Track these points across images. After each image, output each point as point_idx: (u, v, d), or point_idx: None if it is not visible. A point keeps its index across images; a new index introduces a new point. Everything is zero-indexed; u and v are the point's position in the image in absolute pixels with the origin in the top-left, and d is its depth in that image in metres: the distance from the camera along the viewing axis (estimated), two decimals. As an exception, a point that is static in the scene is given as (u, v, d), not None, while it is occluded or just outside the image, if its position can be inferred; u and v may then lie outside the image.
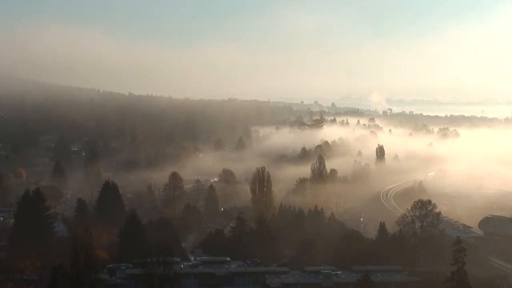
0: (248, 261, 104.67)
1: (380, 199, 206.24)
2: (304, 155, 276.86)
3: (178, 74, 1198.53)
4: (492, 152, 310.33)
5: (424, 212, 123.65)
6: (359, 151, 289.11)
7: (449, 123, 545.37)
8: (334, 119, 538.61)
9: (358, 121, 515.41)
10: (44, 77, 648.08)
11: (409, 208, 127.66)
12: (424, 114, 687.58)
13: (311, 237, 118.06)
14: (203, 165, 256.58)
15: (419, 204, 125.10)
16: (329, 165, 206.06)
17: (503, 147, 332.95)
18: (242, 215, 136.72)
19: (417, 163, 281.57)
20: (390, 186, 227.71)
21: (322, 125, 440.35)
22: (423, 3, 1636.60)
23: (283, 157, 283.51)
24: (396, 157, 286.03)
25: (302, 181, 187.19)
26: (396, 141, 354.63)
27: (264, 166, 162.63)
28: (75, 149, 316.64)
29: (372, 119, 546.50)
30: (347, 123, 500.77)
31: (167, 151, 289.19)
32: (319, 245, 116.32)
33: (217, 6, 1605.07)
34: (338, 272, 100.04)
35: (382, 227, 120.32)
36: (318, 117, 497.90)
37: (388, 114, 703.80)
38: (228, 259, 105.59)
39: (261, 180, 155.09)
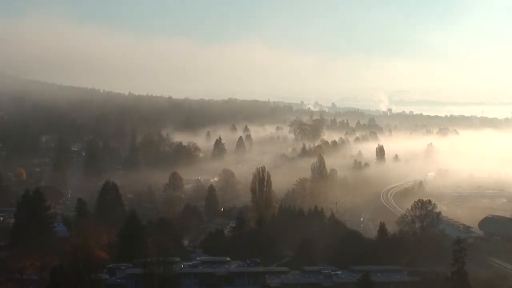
0: (248, 261, 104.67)
1: (380, 199, 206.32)
2: (304, 154, 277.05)
3: (178, 74, 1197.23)
4: (492, 152, 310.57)
5: (424, 212, 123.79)
6: (359, 151, 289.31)
7: (449, 123, 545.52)
8: (334, 119, 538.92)
9: (358, 121, 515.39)
10: (44, 77, 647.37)
11: (409, 208, 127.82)
12: (424, 114, 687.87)
13: (311, 237, 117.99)
14: (203, 165, 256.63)
15: (419, 204, 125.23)
16: (329, 165, 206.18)
17: (503, 147, 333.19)
18: (242, 215, 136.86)
19: (417, 163, 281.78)
20: (390, 186, 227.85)
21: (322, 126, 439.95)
22: (423, 2, 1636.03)
23: (283, 157, 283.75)
24: (396, 157, 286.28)
25: (302, 181, 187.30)
26: (396, 141, 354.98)
27: (264, 166, 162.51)
28: (75, 149, 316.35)
29: (372, 119, 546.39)
30: (347, 123, 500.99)
31: (167, 151, 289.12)
32: (319, 245, 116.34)
33: (216, 6, 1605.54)
34: (338, 272, 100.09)
35: (382, 227, 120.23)
36: (318, 117, 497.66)
37: (388, 114, 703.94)
38: (228, 259, 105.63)
39: (261, 180, 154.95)
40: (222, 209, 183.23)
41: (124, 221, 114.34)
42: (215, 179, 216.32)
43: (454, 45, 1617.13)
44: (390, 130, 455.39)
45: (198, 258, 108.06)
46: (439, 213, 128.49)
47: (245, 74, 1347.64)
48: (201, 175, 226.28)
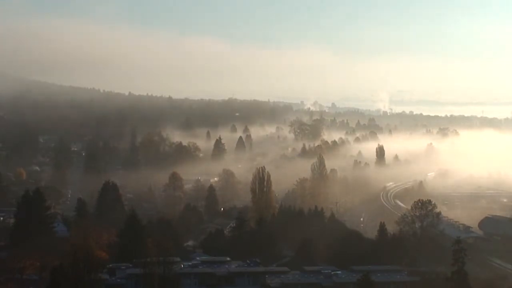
0: (248, 261, 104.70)
1: (380, 199, 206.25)
2: (304, 154, 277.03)
3: (178, 73, 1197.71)
4: (492, 152, 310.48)
5: (424, 212, 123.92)
6: (359, 151, 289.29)
7: (449, 123, 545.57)
8: (334, 119, 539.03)
9: (358, 121, 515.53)
10: (44, 77, 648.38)
11: (409, 208, 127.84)
12: (424, 114, 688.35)
13: (311, 237, 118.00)
14: (203, 165, 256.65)
15: (419, 204, 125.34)
16: (329, 165, 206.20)
17: (503, 147, 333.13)
18: (242, 215, 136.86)
19: (417, 163, 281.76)
20: (390, 186, 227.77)
21: (322, 126, 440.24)
22: (423, 3, 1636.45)
23: (283, 157, 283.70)
24: (396, 157, 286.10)
25: (302, 181, 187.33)
26: (396, 141, 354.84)
27: (264, 166, 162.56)
28: (75, 149, 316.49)
29: (372, 119, 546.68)
30: (347, 123, 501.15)
31: (167, 151, 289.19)
32: (319, 245, 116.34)
33: (217, 4, 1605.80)
34: (338, 272, 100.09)
35: (382, 227, 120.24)
36: (318, 117, 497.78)
37: (388, 114, 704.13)
38: (228, 259, 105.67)
39: (261, 180, 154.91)
40: (222, 209, 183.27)
41: (124, 221, 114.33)
42: (215, 179, 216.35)
43: (454, 45, 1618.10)
44: (390, 130, 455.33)
45: (198, 258, 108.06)
46: (439, 213, 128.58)
47: (245, 74, 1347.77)
48: (201, 175, 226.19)
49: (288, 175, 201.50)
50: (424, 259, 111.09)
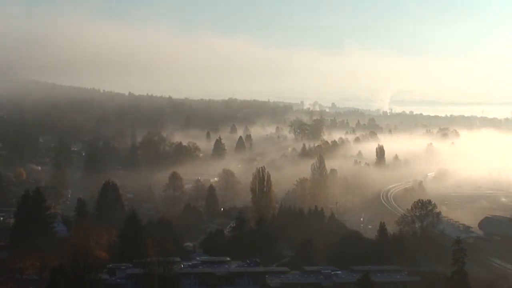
0: (248, 261, 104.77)
1: (380, 199, 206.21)
2: (304, 155, 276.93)
3: (178, 73, 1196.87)
4: (492, 152, 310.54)
5: (424, 212, 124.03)
6: (359, 151, 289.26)
7: (449, 123, 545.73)
8: (334, 119, 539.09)
9: (358, 121, 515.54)
10: (44, 77, 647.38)
11: (409, 208, 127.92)
12: (424, 114, 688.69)
13: (311, 237, 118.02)
14: (203, 165, 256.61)
15: (419, 204, 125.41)
16: (329, 165, 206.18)
17: (503, 147, 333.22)
18: (242, 215, 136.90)
19: (417, 163, 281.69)
20: (390, 186, 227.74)
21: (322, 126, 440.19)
22: (423, 2, 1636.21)
23: (283, 157, 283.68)
24: (396, 157, 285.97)
25: (302, 181, 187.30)
26: (396, 141, 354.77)
27: (264, 166, 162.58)
28: (75, 149, 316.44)
29: (372, 119, 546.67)
30: (347, 123, 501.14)
31: (167, 151, 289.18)
32: (319, 245, 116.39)
33: (216, 4, 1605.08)
34: (338, 272, 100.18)
35: (382, 227, 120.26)
36: (318, 117, 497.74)
37: (388, 114, 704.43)
38: (228, 259, 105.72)
39: (261, 180, 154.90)
40: (222, 209, 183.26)
41: (124, 221, 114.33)
42: (215, 179, 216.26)
43: (455, 45, 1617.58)
44: (390, 130, 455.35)
45: (198, 258, 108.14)
46: (439, 213, 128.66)
47: (245, 74, 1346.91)
48: (201, 175, 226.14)
49: (288, 175, 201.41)
50: (424, 259, 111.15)
